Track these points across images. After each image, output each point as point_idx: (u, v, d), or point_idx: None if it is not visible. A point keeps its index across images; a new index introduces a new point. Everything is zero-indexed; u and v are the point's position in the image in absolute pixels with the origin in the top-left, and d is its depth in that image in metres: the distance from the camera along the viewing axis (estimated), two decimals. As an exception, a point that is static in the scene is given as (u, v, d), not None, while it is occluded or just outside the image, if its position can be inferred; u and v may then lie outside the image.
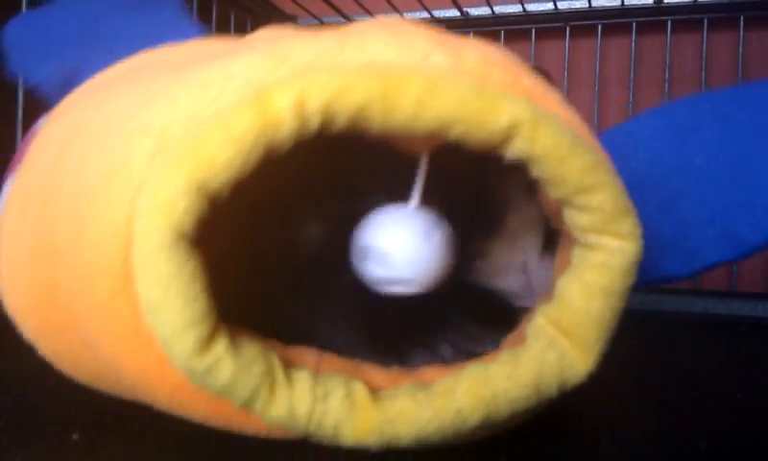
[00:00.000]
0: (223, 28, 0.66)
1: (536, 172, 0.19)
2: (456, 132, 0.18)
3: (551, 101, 0.21)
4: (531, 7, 0.67)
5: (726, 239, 0.27)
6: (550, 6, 0.66)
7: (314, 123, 0.18)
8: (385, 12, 0.67)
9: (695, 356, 0.38)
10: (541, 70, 0.23)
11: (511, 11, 0.68)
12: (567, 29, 0.67)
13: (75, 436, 0.22)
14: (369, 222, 0.21)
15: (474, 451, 0.22)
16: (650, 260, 0.27)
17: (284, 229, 0.24)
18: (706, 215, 0.27)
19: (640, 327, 0.47)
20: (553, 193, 0.20)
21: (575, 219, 0.20)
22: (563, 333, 0.20)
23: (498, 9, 0.68)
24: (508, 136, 0.19)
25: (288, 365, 0.20)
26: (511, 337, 0.23)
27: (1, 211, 0.25)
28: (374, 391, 0.20)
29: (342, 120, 0.18)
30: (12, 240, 0.23)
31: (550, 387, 0.20)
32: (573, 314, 0.20)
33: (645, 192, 0.29)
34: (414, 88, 0.18)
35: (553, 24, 0.68)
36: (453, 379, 0.20)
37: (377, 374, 0.21)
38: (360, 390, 0.20)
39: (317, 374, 0.20)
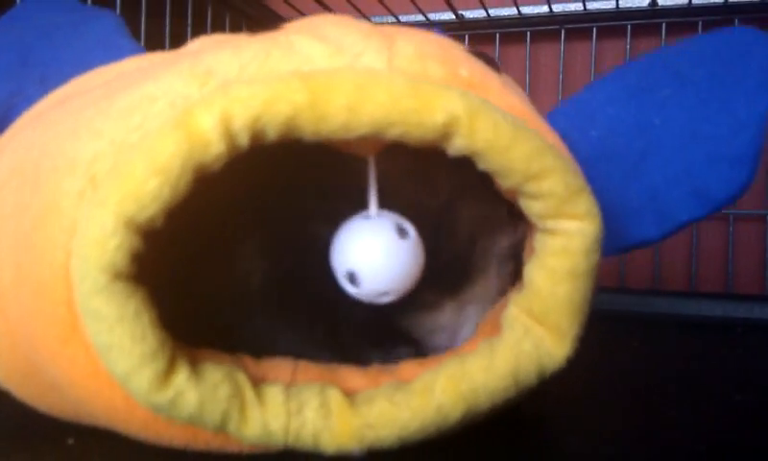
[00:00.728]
0: (219, 31, 0.66)
1: (482, 165, 0.19)
2: (393, 133, 0.18)
3: (491, 89, 0.21)
4: (526, 9, 0.66)
5: (695, 196, 0.26)
6: (545, 9, 0.65)
7: (242, 140, 0.18)
8: (380, 14, 0.67)
9: (691, 358, 0.38)
10: (482, 55, 0.22)
11: (506, 13, 0.68)
12: (562, 31, 0.67)
13: (70, 441, 0.22)
14: (337, 239, 0.21)
15: (462, 444, 0.22)
16: (622, 227, 0.27)
17: (232, 249, 0.24)
18: (672, 175, 0.27)
19: (635, 329, 0.48)
20: (504, 184, 0.19)
21: (530, 207, 0.20)
22: (536, 321, 0.20)
23: (493, 11, 0.68)
24: (446, 133, 0.18)
25: (261, 380, 0.20)
26: (485, 325, 0.23)
27: None
28: (352, 394, 0.20)
29: (272, 133, 0.18)
30: None
31: (528, 376, 0.20)
32: (542, 301, 0.20)
33: (609, 160, 0.28)
34: (343, 95, 0.18)
35: (548, 27, 0.67)
36: (431, 376, 0.20)
37: (355, 376, 0.21)
38: (335, 397, 0.20)
39: (291, 385, 0.20)
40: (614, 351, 0.39)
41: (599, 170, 0.28)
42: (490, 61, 0.23)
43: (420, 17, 0.69)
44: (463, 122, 0.18)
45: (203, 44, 0.22)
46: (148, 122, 0.19)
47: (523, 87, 0.69)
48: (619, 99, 0.29)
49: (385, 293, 0.21)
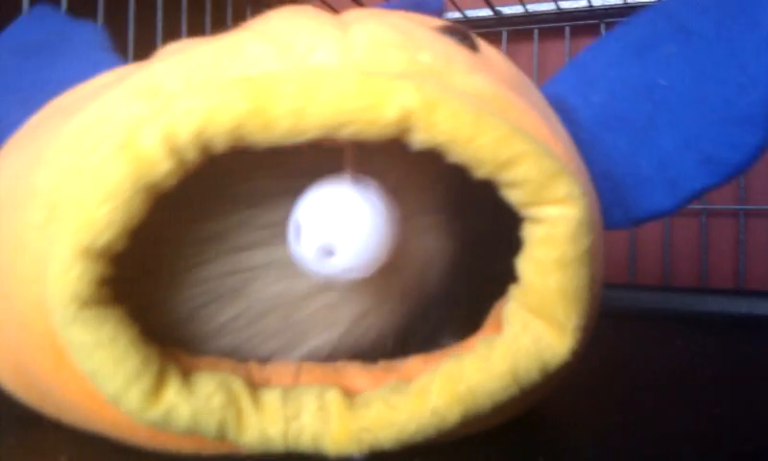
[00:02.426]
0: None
1: (451, 158, 0.18)
2: (345, 133, 0.17)
3: (456, 73, 0.19)
4: (565, 4, 0.66)
5: (708, 163, 0.24)
6: (584, 3, 0.64)
7: (189, 154, 0.17)
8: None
9: (739, 357, 0.37)
10: (457, 32, 0.21)
11: (544, 9, 0.67)
12: (602, 25, 0.66)
13: (62, 458, 0.22)
14: (303, 199, 0.19)
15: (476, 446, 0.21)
16: (632, 198, 0.26)
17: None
18: (682, 140, 0.25)
19: (680, 328, 0.46)
20: (478, 175, 0.18)
21: (510, 196, 0.19)
22: (534, 315, 0.19)
23: (531, 7, 0.67)
24: (404, 128, 0.17)
25: (264, 384, 0.20)
26: (488, 324, 0.22)
27: None
28: (356, 394, 0.20)
29: (219, 144, 0.17)
30: None
31: (529, 372, 0.19)
32: (536, 293, 0.19)
33: (613, 126, 0.27)
34: (286, 99, 0.17)
35: (587, 21, 0.67)
36: (428, 377, 0.20)
37: (359, 375, 0.21)
38: (334, 400, 0.20)
39: (294, 386, 0.20)
40: (659, 350, 0.38)
41: (604, 137, 0.26)
42: (464, 38, 0.21)
43: (456, 14, 0.68)
44: (419, 115, 0.17)
45: (162, 52, 0.22)
46: (100, 144, 0.18)
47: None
48: (622, 60, 0.27)
49: (329, 249, 0.19)
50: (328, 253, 0.19)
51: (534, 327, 0.19)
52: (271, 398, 0.19)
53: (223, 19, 0.67)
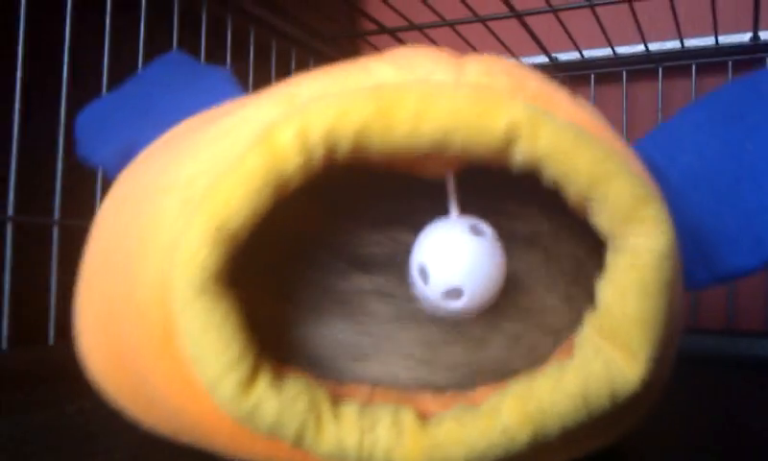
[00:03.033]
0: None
1: (547, 174, 0.19)
2: (457, 141, 0.19)
3: (559, 103, 0.21)
4: (621, 49, 0.67)
5: None
6: (641, 48, 0.66)
7: (318, 153, 0.19)
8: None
9: (737, 398, 0.37)
10: (555, 77, 0.24)
11: (600, 54, 0.69)
12: (660, 70, 0.67)
13: (117, 456, 0.24)
14: (415, 241, 0.21)
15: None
16: (718, 256, 0.26)
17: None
18: (767, 200, 0.26)
19: (708, 370, 0.46)
20: (570, 194, 0.19)
21: (597, 217, 0.19)
22: (607, 341, 0.19)
23: (587, 52, 0.69)
24: (509, 140, 0.19)
25: (339, 399, 0.21)
26: (560, 349, 0.22)
27: None
28: (426, 417, 0.20)
29: (344, 145, 0.19)
30: (85, 314, 0.25)
31: (599, 398, 0.19)
32: (612, 319, 0.19)
33: (700, 186, 0.27)
34: (410, 103, 0.18)
35: (645, 65, 0.68)
36: (499, 397, 0.20)
37: (429, 400, 0.21)
38: (407, 416, 0.20)
39: (367, 405, 0.21)
40: (722, 395, 0.38)
41: (691, 196, 0.27)
42: (564, 83, 0.23)
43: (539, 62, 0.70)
44: (525, 128, 0.18)
45: (291, 81, 0.24)
46: (239, 142, 0.20)
47: (620, 127, 0.68)
48: (708, 125, 0.28)
49: (456, 290, 0.20)
50: (456, 296, 0.20)
51: (606, 353, 0.19)
52: (349, 410, 0.20)
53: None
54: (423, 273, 0.21)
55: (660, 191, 0.23)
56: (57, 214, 0.51)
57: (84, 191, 0.53)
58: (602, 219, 0.19)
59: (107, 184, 0.29)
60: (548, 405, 0.19)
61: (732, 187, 0.27)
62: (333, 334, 0.23)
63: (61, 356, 0.29)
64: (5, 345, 0.46)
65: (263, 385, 0.19)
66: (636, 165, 0.21)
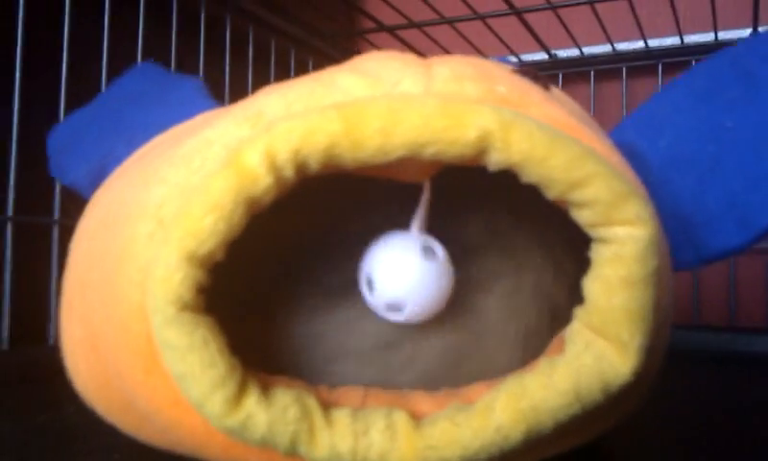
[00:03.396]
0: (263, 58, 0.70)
1: (524, 178, 0.19)
2: (428, 153, 0.18)
3: (531, 104, 0.21)
4: (621, 46, 0.67)
5: None
6: (641, 44, 0.65)
7: (288, 172, 0.19)
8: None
9: (737, 394, 0.37)
10: (529, 73, 0.23)
11: (600, 51, 0.68)
12: (659, 66, 0.66)
13: (116, 456, 0.23)
14: (370, 251, 0.22)
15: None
16: (702, 237, 0.26)
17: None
18: (749, 178, 0.25)
19: (710, 367, 0.46)
20: (550, 195, 0.19)
21: (580, 217, 0.19)
22: (597, 334, 0.20)
23: (587, 49, 0.69)
24: (482, 148, 0.18)
25: (332, 405, 0.21)
26: (552, 345, 0.22)
27: None
28: (420, 418, 0.20)
29: (313, 164, 0.19)
30: (69, 335, 0.25)
31: (591, 391, 0.19)
32: (600, 313, 0.19)
33: (681, 167, 0.27)
34: (376, 119, 0.18)
35: (645, 62, 0.68)
36: (492, 395, 0.20)
37: (423, 400, 0.22)
38: (401, 419, 0.20)
39: (360, 409, 0.21)
40: (723, 391, 0.38)
41: (672, 179, 0.27)
42: (537, 79, 0.23)
43: (512, 58, 0.70)
44: (496, 136, 0.18)
45: (258, 92, 0.24)
46: (207, 164, 0.20)
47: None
48: (687, 105, 0.28)
49: (397, 305, 0.21)
50: (397, 308, 0.21)
51: (597, 346, 0.19)
52: (341, 415, 0.20)
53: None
54: (370, 283, 0.22)
55: (641, 182, 0.23)
56: (56, 214, 0.51)
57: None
58: (583, 217, 0.19)
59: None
60: (541, 402, 0.19)
61: (713, 167, 0.27)
62: (305, 335, 0.23)
63: (61, 356, 0.29)
64: (5, 345, 0.47)
65: (252, 400, 0.19)
66: (615, 160, 0.21)
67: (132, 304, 0.20)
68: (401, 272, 0.21)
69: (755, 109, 0.26)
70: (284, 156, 0.18)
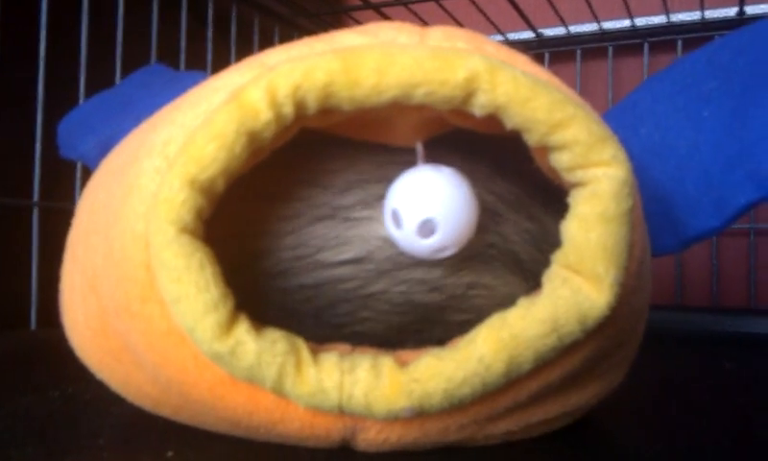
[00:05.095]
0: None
1: (508, 123, 0.20)
2: (419, 94, 0.20)
3: (516, 60, 0.22)
4: (607, 24, 0.67)
5: (751, 179, 0.26)
6: (627, 22, 0.65)
7: (287, 109, 0.20)
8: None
9: (751, 378, 0.37)
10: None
11: (586, 29, 0.68)
12: (646, 45, 0.66)
13: (170, 454, 0.23)
14: (392, 188, 0.22)
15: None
16: (682, 220, 0.27)
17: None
18: (726, 160, 0.27)
19: (694, 348, 0.46)
20: (531, 140, 0.20)
21: (559, 161, 0.20)
22: (573, 271, 0.20)
23: (573, 28, 0.69)
24: (469, 90, 0.20)
25: (317, 351, 0.21)
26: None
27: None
28: (405, 365, 0.21)
29: (312, 102, 0.20)
30: (68, 286, 0.26)
31: (569, 321, 0.20)
32: (577, 250, 0.20)
33: (660, 153, 0.29)
34: (372, 60, 0.19)
35: (631, 41, 0.68)
36: (475, 332, 0.21)
37: (407, 353, 0.22)
38: (386, 361, 0.21)
39: (347, 354, 0.21)
40: (707, 372, 0.38)
41: (653, 164, 0.28)
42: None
43: (498, 37, 0.69)
44: (483, 78, 0.19)
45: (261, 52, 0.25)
46: (212, 106, 0.21)
47: (605, 103, 0.68)
48: (666, 96, 0.29)
49: (429, 226, 0.21)
50: (429, 231, 0.21)
51: (573, 282, 0.20)
52: (328, 356, 0.21)
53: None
54: (396, 217, 0.21)
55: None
56: (36, 196, 0.50)
57: (65, 174, 0.52)
58: (563, 160, 0.20)
59: (87, 167, 0.28)
60: (520, 331, 0.20)
61: (691, 154, 0.28)
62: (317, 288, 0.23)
63: (44, 342, 0.29)
64: (-14, 328, 0.46)
65: (242, 328, 0.20)
66: (586, 106, 0.22)
67: (135, 234, 0.21)
68: (431, 189, 0.21)
69: (729, 98, 0.28)
70: (284, 91, 0.20)
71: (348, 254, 0.23)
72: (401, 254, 0.22)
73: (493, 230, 0.23)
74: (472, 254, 0.23)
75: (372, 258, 0.23)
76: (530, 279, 0.22)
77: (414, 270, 0.23)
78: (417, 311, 0.23)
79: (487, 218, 0.23)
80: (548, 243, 0.22)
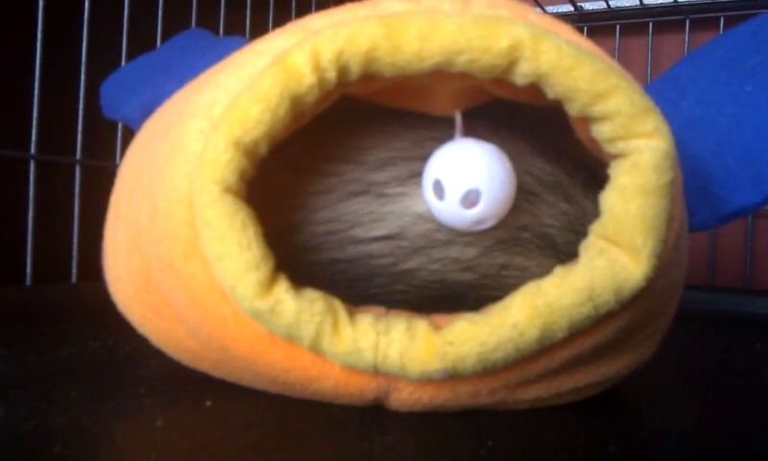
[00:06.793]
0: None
1: (550, 92, 0.20)
2: (461, 61, 0.20)
3: (560, 29, 0.22)
4: (615, 3, 0.66)
5: None
6: (636, 2, 0.64)
7: (330, 73, 0.20)
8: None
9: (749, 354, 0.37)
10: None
11: (627, 4, 0.66)
12: (687, 22, 0.65)
13: (208, 403, 0.24)
14: (433, 158, 0.22)
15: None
16: (720, 195, 0.27)
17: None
18: (767, 137, 0.26)
19: (726, 328, 0.46)
20: (572, 110, 0.20)
21: (600, 132, 0.20)
22: (611, 242, 0.20)
23: (614, 2, 0.67)
24: (512, 59, 0.19)
25: (354, 313, 0.21)
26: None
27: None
28: (440, 328, 0.21)
29: (355, 67, 0.20)
30: (112, 243, 0.26)
31: (605, 291, 0.20)
32: (616, 220, 0.20)
33: (701, 128, 0.28)
34: (415, 26, 0.19)
35: (672, 17, 0.66)
36: (509, 299, 0.21)
37: (441, 317, 0.22)
38: (421, 323, 0.21)
39: (382, 317, 0.21)
40: (738, 353, 0.38)
41: (693, 138, 0.28)
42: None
43: (537, 10, 0.68)
44: (527, 46, 0.19)
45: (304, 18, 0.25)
46: (256, 69, 0.22)
47: (644, 81, 0.67)
48: (709, 71, 0.29)
49: (473, 196, 0.21)
50: (472, 202, 0.21)
51: (611, 252, 0.20)
52: (365, 317, 0.21)
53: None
54: (438, 187, 0.21)
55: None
56: (79, 154, 0.51)
57: (106, 132, 0.53)
58: (604, 131, 0.20)
59: (128, 127, 0.29)
60: (555, 299, 0.20)
61: (732, 129, 0.27)
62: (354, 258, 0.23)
63: (84, 294, 0.30)
64: (29, 281, 0.47)
65: (282, 288, 0.20)
66: (629, 77, 0.21)
67: (179, 193, 0.22)
68: (476, 160, 0.21)
69: (775, 72, 0.27)
70: (328, 56, 0.20)
71: (381, 230, 0.23)
72: (436, 230, 0.22)
73: (528, 210, 0.23)
74: (506, 236, 0.23)
75: (406, 235, 0.23)
76: (565, 262, 0.22)
77: (448, 248, 0.23)
78: (450, 288, 0.23)
79: (521, 199, 0.23)
80: (585, 226, 0.22)
